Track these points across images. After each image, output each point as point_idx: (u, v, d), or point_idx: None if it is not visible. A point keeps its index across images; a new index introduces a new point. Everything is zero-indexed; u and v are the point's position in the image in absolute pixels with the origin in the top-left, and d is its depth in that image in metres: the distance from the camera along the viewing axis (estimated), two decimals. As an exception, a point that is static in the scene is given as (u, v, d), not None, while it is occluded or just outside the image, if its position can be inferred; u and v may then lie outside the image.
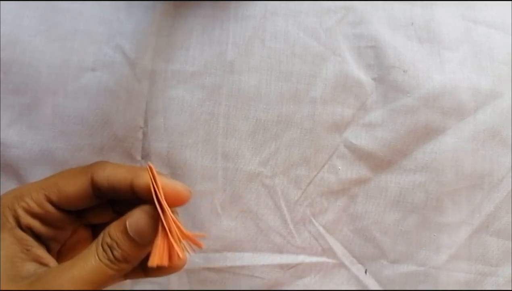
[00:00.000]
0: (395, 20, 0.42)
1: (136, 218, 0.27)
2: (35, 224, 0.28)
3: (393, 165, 0.41)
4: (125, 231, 0.27)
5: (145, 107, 0.41)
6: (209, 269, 0.40)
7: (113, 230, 0.27)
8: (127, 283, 0.40)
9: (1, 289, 0.26)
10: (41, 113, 0.40)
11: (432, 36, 0.41)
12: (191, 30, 0.41)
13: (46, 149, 0.40)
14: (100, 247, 0.27)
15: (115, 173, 0.29)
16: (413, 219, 0.40)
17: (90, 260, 0.26)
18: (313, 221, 0.41)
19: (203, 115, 0.41)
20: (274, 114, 0.41)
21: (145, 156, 0.41)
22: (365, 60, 0.41)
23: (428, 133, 0.40)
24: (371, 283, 0.41)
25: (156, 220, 0.27)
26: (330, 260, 0.41)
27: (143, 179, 0.28)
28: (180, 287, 0.39)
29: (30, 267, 0.27)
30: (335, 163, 0.41)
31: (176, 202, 0.28)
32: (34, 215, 0.28)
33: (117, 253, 0.26)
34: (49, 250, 0.30)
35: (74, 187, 0.29)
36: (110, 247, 0.27)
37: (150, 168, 0.27)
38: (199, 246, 0.28)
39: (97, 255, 0.26)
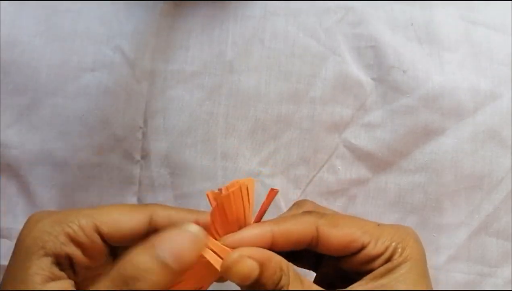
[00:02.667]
0: (395, 20, 0.41)
1: (174, 242, 0.22)
2: (77, 254, 0.25)
3: (392, 166, 0.41)
4: (156, 258, 0.22)
5: (145, 107, 0.41)
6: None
7: (138, 258, 0.22)
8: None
9: None
10: (40, 113, 0.40)
11: (432, 37, 0.41)
12: (191, 30, 0.41)
13: (45, 149, 0.40)
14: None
15: (177, 212, 0.27)
16: (412, 219, 0.40)
17: None
18: (312, 221, 0.41)
19: (203, 115, 0.41)
20: (273, 114, 0.41)
21: (145, 156, 0.41)
22: (364, 60, 0.41)
23: (428, 134, 0.40)
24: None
25: (202, 246, 0.23)
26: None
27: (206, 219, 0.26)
28: (180, 287, 0.39)
29: None
30: (335, 163, 0.41)
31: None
32: (77, 244, 0.25)
33: (145, 285, 0.21)
34: (77, 276, 0.26)
35: (131, 221, 0.26)
36: (135, 279, 0.21)
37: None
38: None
39: None
